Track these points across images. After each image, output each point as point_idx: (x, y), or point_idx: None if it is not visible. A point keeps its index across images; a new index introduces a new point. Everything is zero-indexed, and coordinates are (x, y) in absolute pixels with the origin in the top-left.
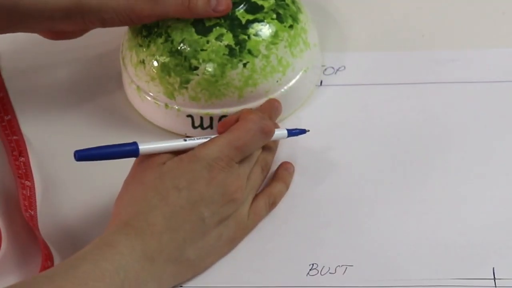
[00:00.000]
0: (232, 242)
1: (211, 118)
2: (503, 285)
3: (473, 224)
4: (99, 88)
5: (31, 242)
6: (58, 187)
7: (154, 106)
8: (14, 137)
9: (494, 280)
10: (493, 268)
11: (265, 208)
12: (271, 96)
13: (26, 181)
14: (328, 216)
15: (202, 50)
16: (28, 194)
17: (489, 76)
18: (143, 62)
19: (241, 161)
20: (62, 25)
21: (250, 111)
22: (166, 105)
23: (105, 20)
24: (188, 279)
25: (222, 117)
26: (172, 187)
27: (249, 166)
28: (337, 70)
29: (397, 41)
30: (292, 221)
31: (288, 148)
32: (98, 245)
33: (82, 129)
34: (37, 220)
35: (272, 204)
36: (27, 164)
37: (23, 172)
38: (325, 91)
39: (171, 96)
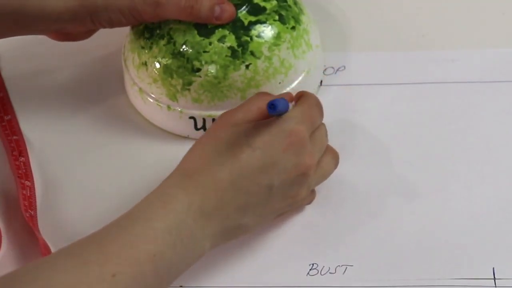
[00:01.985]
0: (280, 216)
1: (214, 120)
2: (503, 285)
3: (473, 224)
4: (100, 89)
5: (31, 242)
6: (58, 187)
7: (156, 108)
8: (14, 137)
9: (494, 280)
10: (493, 268)
11: (309, 200)
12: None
13: (26, 181)
14: (328, 216)
15: (204, 52)
16: (28, 194)
17: (489, 76)
18: (145, 64)
19: (314, 141)
20: (70, 27)
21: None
22: (169, 107)
23: (112, 20)
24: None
25: None
26: (246, 145)
27: (320, 151)
28: (337, 70)
29: (397, 41)
30: (292, 221)
31: None
32: (152, 200)
33: (83, 130)
34: (37, 220)
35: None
36: (27, 164)
37: (23, 172)
38: (325, 91)
39: (173, 98)
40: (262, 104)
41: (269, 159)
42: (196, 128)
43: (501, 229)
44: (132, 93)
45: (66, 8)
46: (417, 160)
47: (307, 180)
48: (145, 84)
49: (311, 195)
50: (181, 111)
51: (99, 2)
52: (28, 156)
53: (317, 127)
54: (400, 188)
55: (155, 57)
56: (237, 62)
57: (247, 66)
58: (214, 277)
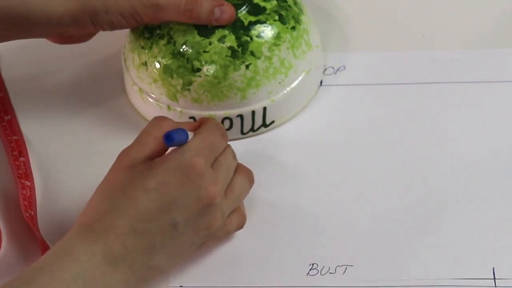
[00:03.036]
0: (201, 248)
1: None
2: (503, 285)
3: (473, 224)
4: (100, 89)
5: (31, 242)
6: (58, 187)
7: (156, 108)
8: (14, 137)
9: (494, 280)
10: (493, 268)
11: (237, 224)
12: (274, 98)
13: (26, 181)
14: (328, 216)
15: (204, 52)
16: (28, 194)
17: (489, 76)
18: (145, 64)
19: (217, 167)
20: (71, 30)
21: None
22: (169, 107)
23: (113, 23)
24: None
25: (224, 118)
26: (140, 188)
27: (227, 177)
28: (337, 70)
29: (397, 41)
30: (292, 221)
31: (289, 149)
32: (56, 253)
33: (83, 130)
34: (37, 220)
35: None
36: (27, 164)
37: (23, 172)
38: (325, 91)
39: (173, 98)
40: (158, 133)
41: (167, 199)
42: None
43: (501, 229)
44: (132, 93)
45: (67, 12)
46: (416, 159)
47: (216, 209)
48: (145, 84)
49: (239, 218)
50: (181, 111)
51: (99, 6)
52: (28, 156)
53: (221, 152)
54: (400, 187)
55: (155, 57)
56: (237, 62)
57: (247, 66)
58: (214, 277)
